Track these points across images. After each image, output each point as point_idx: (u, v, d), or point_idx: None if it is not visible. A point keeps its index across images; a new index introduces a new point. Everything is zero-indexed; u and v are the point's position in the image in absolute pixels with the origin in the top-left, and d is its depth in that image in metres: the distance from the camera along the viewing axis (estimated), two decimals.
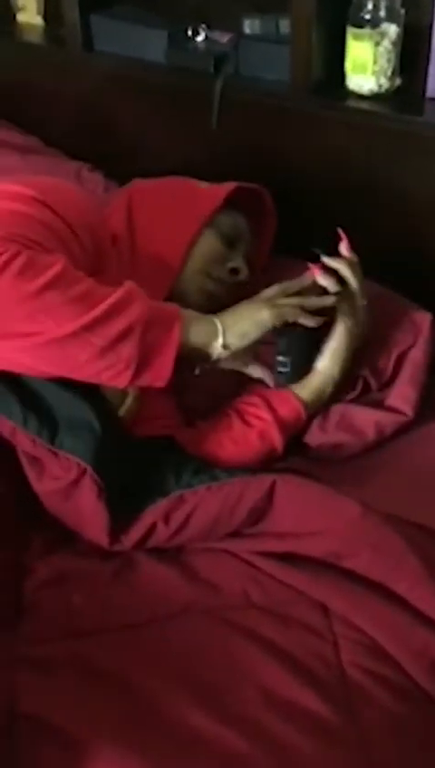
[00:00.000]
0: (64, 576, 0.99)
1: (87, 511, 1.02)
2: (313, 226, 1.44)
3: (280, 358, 1.17)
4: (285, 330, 1.12)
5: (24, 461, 1.04)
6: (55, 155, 1.76)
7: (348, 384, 1.23)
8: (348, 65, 1.37)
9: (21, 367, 1.01)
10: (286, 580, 0.97)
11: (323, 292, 1.15)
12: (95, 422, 1.01)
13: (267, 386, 1.20)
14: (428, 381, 1.24)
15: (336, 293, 1.16)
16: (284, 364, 1.17)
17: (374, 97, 1.38)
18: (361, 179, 1.43)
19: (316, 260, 1.18)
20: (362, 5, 1.31)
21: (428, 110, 1.35)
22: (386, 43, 1.33)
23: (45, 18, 1.84)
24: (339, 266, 1.17)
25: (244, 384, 1.24)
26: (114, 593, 0.97)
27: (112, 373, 0.98)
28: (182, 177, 1.35)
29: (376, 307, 1.23)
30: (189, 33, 1.56)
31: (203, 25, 1.56)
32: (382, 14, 1.31)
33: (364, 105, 1.38)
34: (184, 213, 1.26)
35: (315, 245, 1.19)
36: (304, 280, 1.15)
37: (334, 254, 1.19)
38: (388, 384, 1.25)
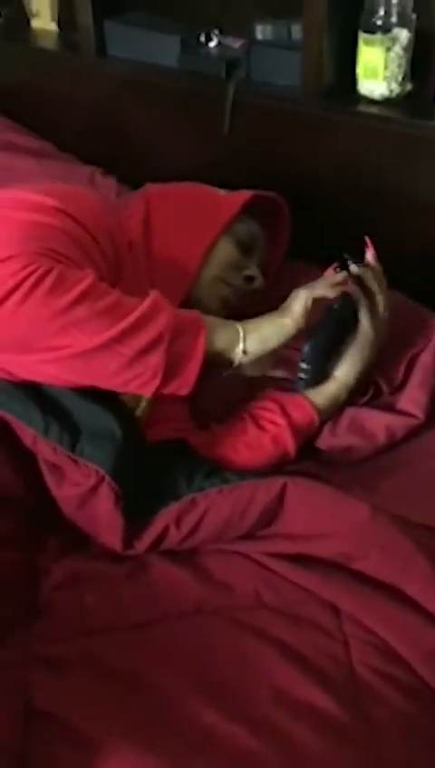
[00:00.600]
0: (78, 577, 1.01)
1: (103, 517, 1.03)
2: (323, 231, 1.46)
3: (302, 365, 1.18)
4: (310, 336, 1.14)
5: (44, 468, 1.05)
6: (69, 160, 1.78)
7: (360, 389, 1.24)
8: (359, 70, 1.38)
9: (46, 377, 1.03)
10: (297, 580, 0.98)
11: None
12: (117, 431, 1.02)
13: (281, 390, 1.21)
14: None
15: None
16: (305, 371, 1.18)
17: (385, 102, 1.39)
18: (371, 183, 1.43)
19: (344, 266, 1.19)
20: (374, 11, 1.32)
21: None
22: (397, 49, 1.34)
23: (59, 24, 1.85)
24: (365, 275, 1.18)
25: (257, 388, 1.25)
26: (126, 593, 0.98)
27: (140, 382, 0.99)
28: (198, 182, 1.36)
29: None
30: (202, 38, 1.58)
31: (216, 31, 1.57)
32: (394, 19, 1.32)
33: (375, 110, 1.39)
34: (202, 219, 1.27)
35: (347, 251, 1.21)
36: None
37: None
38: (399, 388, 1.26)
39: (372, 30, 1.33)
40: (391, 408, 1.24)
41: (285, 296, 1.20)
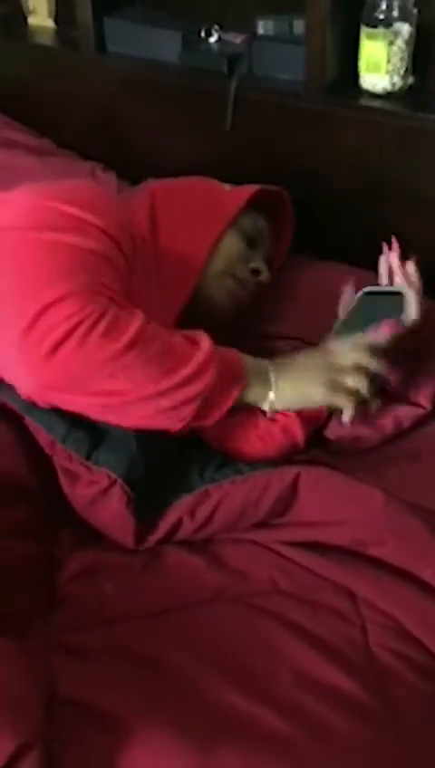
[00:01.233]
0: (95, 568, 1.02)
1: (115, 517, 1.04)
2: (325, 225, 1.47)
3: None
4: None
5: (58, 467, 1.06)
6: (68, 156, 1.78)
7: None
8: (362, 64, 1.39)
9: (83, 411, 1.04)
10: (313, 567, 0.99)
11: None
12: (132, 439, 1.03)
13: None
14: None
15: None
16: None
17: (388, 95, 1.40)
18: (374, 177, 1.45)
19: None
20: (376, 6, 1.34)
21: None
22: (399, 43, 1.35)
23: (56, 21, 1.86)
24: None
25: None
26: (144, 582, 0.99)
27: (166, 424, 1.02)
28: (201, 176, 1.36)
29: None
30: (203, 34, 1.58)
31: (216, 26, 1.58)
32: (395, 13, 1.34)
33: (378, 104, 1.41)
34: (209, 214, 1.28)
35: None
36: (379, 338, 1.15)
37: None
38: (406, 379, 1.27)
39: (374, 24, 1.35)
40: (397, 398, 1.25)
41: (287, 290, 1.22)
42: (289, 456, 1.17)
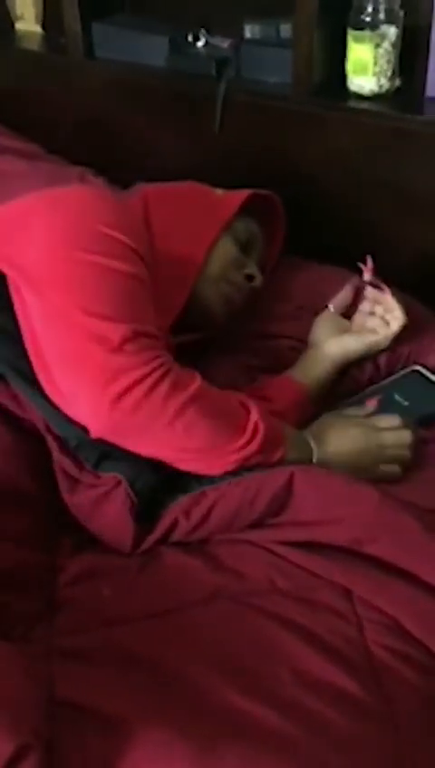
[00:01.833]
0: (93, 572, 1.02)
1: (115, 521, 1.04)
2: (317, 226, 1.48)
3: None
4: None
5: (59, 472, 1.06)
6: (57, 161, 1.79)
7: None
8: (349, 67, 1.41)
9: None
10: (309, 566, 0.99)
11: None
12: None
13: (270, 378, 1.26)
14: None
15: None
16: None
17: (375, 97, 1.42)
18: (363, 179, 1.46)
19: None
20: (362, 8, 1.35)
21: (427, 109, 1.39)
22: (386, 45, 1.36)
23: (44, 27, 1.86)
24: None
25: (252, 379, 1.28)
26: (142, 583, 0.99)
27: (204, 471, 1.05)
28: (193, 181, 1.37)
29: None
30: (190, 38, 1.59)
31: (203, 31, 1.59)
32: (382, 16, 1.35)
33: (365, 105, 1.42)
34: (202, 218, 1.28)
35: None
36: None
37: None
38: None
39: (360, 27, 1.36)
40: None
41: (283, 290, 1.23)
42: None
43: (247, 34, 1.53)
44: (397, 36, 1.37)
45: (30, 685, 0.81)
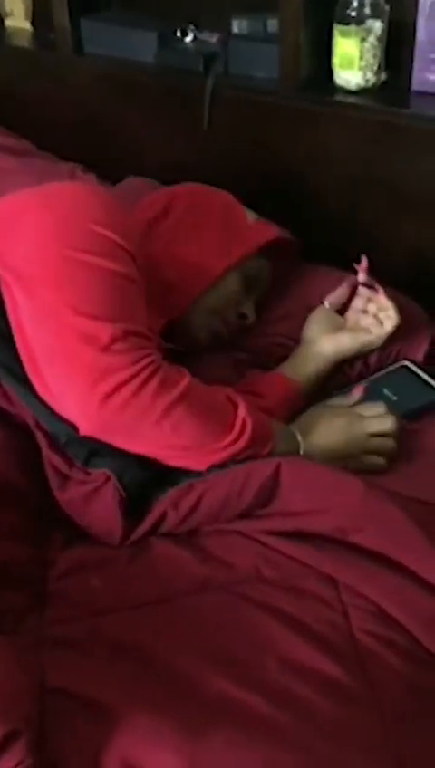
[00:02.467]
0: (84, 564, 1.03)
1: (104, 516, 1.05)
2: (304, 219, 1.49)
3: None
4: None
5: (48, 468, 1.07)
6: (48, 157, 1.80)
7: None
8: (335, 61, 1.41)
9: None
10: (296, 555, 1.00)
11: None
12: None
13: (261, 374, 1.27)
14: None
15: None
16: None
17: (362, 91, 1.43)
18: (351, 172, 1.47)
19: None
20: (348, 3, 1.36)
21: (413, 103, 1.40)
22: (372, 39, 1.37)
23: (33, 23, 1.87)
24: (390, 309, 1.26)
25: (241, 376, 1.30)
26: (131, 574, 1.01)
27: (191, 466, 1.06)
28: (228, 195, 1.35)
29: None
30: (178, 34, 1.60)
31: (192, 26, 1.60)
32: (367, 10, 1.36)
33: (352, 99, 1.43)
34: (220, 247, 1.27)
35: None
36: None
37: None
38: None
39: (346, 21, 1.37)
40: None
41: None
42: None
43: (235, 29, 1.54)
44: (382, 31, 1.38)
45: (19, 673, 0.83)
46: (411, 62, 1.38)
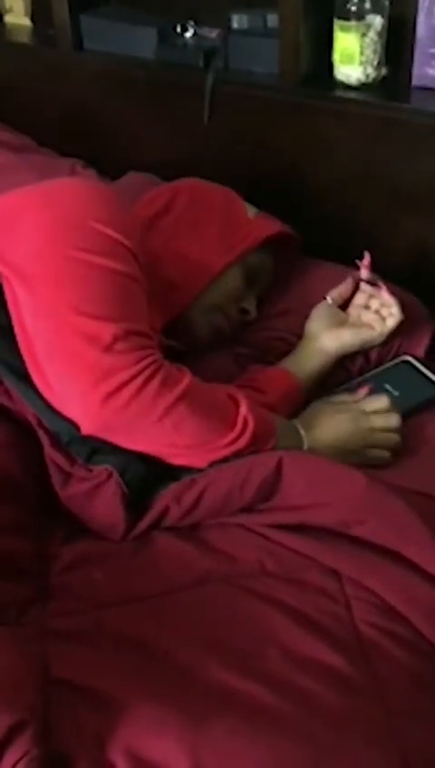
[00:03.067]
0: (86, 558, 1.03)
1: (106, 512, 1.05)
2: (304, 215, 1.49)
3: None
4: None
5: (50, 467, 1.07)
6: (48, 153, 1.80)
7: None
8: (336, 56, 1.42)
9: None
10: (298, 548, 1.01)
11: None
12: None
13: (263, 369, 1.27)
14: None
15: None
16: None
17: (362, 87, 1.43)
18: (351, 168, 1.47)
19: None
20: None
21: (414, 98, 1.40)
22: (372, 34, 1.37)
23: (33, 19, 1.87)
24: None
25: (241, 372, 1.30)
26: (134, 567, 1.01)
27: (194, 464, 1.06)
28: (231, 190, 1.36)
29: None
30: (178, 29, 1.60)
31: (191, 22, 1.60)
32: (368, 5, 1.36)
33: (352, 95, 1.43)
34: (222, 242, 1.27)
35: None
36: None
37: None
38: None
39: (346, 17, 1.37)
40: None
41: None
42: None
43: (235, 25, 1.54)
44: (383, 26, 1.38)
45: (23, 665, 0.83)
46: (412, 57, 1.39)
